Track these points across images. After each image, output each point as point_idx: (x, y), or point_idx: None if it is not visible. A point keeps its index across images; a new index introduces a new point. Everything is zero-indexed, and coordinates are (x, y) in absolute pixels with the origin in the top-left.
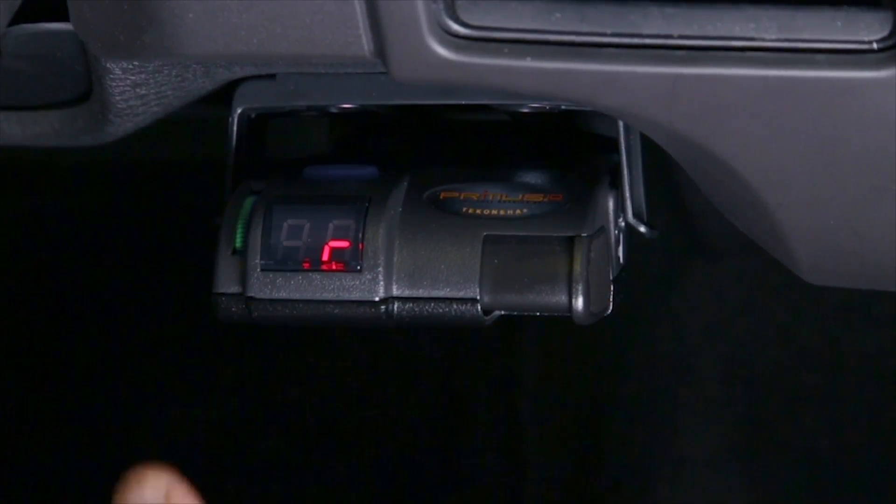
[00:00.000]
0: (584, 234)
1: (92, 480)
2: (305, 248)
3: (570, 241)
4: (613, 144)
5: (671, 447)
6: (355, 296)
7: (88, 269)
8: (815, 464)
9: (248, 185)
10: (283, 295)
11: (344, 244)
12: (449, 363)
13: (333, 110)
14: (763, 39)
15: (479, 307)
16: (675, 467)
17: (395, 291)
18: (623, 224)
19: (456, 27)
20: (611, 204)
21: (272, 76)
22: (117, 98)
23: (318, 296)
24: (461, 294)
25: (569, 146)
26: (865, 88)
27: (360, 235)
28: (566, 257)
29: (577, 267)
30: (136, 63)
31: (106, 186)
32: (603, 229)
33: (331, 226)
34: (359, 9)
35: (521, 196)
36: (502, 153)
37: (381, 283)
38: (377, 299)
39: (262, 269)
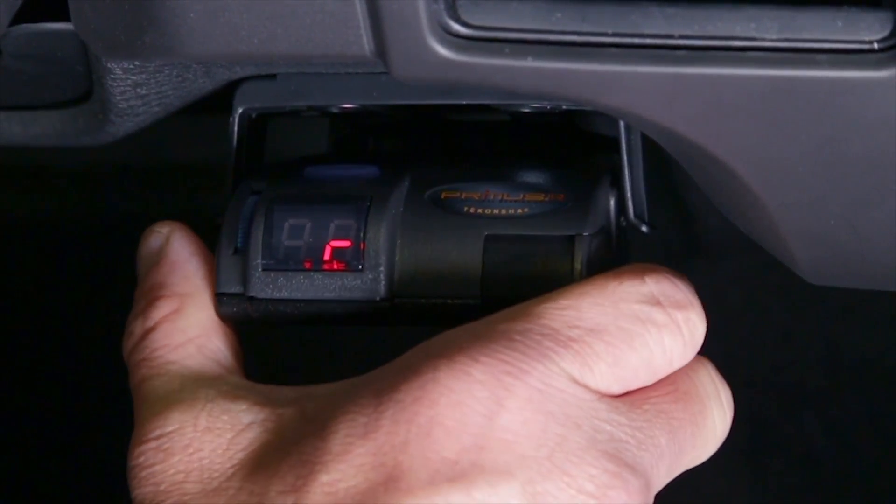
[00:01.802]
0: (586, 234)
1: (91, 481)
2: (307, 248)
3: (571, 241)
4: (614, 144)
5: None
6: (357, 295)
7: (89, 269)
8: (814, 464)
9: (249, 185)
10: (284, 295)
11: (345, 244)
12: None
13: (334, 110)
14: (764, 39)
15: (481, 307)
16: None
17: (397, 291)
18: (624, 223)
19: (457, 27)
20: (612, 203)
21: (273, 76)
22: (118, 98)
23: (319, 295)
24: (463, 293)
25: (570, 146)
26: (866, 88)
27: (362, 235)
28: (567, 257)
29: (578, 266)
30: (136, 63)
31: (106, 187)
32: (604, 228)
33: (332, 225)
34: (359, 8)
35: (522, 196)
36: (503, 153)
37: (383, 282)
38: (378, 299)
39: (263, 269)
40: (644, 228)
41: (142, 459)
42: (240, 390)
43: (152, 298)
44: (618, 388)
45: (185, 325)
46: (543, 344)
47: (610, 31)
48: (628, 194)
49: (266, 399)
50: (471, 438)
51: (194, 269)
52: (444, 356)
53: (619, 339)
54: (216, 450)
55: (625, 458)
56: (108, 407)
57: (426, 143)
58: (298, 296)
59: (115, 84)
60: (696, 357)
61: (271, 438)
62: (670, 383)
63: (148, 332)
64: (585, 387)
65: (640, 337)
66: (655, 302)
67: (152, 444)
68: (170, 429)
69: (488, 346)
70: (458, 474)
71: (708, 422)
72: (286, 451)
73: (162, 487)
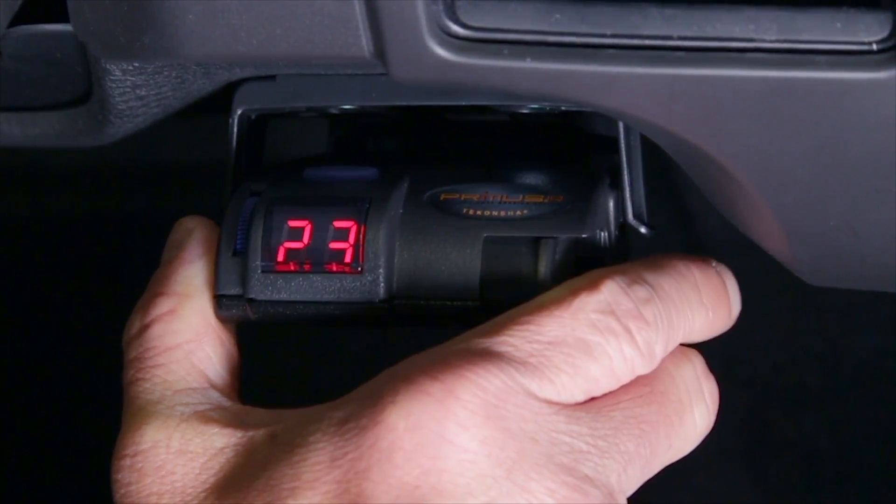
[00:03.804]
0: (584, 236)
1: (90, 481)
2: (306, 250)
3: (570, 242)
4: (613, 145)
5: None
6: (356, 297)
7: (89, 269)
8: (815, 464)
9: (249, 187)
10: (283, 296)
11: (345, 245)
12: None
13: (333, 111)
14: (763, 40)
15: (480, 308)
16: (675, 467)
17: (396, 293)
18: (623, 223)
19: (455, 28)
20: (611, 205)
21: (272, 77)
22: (117, 99)
23: (318, 297)
24: (462, 296)
25: (569, 147)
26: (865, 89)
27: (361, 237)
28: (534, 259)
29: (542, 269)
30: (135, 64)
31: (106, 188)
32: (605, 228)
33: (331, 227)
34: (358, 10)
35: (521, 197)
36: (502, 154)
37: (382, 284)
38: (378, 301)
39: (262, 271)
40: (643, 229)
41: (119, 476)
42: (215, 411)
43: (152, 294)
44: (582, 397)
45: (179, 328)
46: (502, 360)
47: (609, 33)
48: (627, 195)
49: (239, 422)
50: (430, 461)
51: (197, 270)
52: (405, 378)
53: (578, 349)
54: (188, 473)
55: (585, 469)
56: (108, 407)
57: (425, 144)
58: (298, 297)
59: (115, 85)
60: (682, 351)
61: (242, 462)
62: (645, 384)
63: (143, 329)
64: (545, 400)
65: (600, 346)
66: (610, 311)
67: (127, 462)
68: (143, 447)
69: (448, 364)
70: (419, 499)
71: (686, 419)
72: (255, 476)
73: None
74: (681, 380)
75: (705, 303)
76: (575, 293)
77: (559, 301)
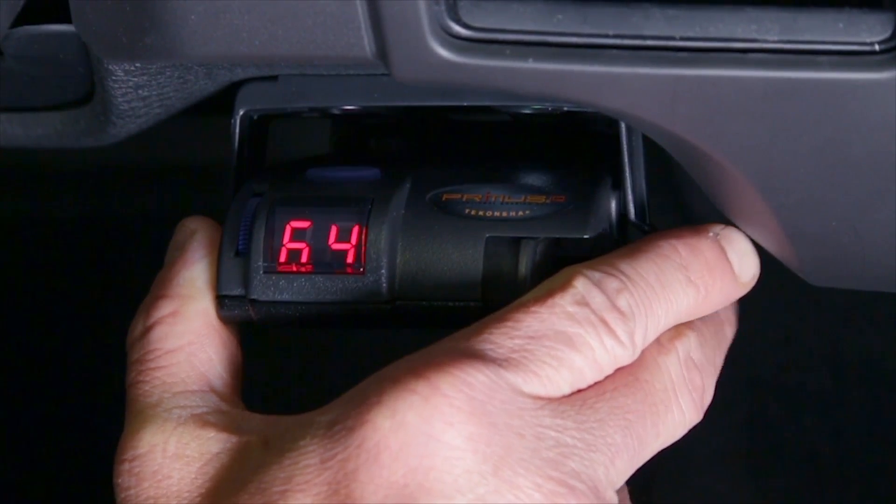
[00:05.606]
0: (586, 236)
1: (90, 482)
2: (308, 251)
3: (574, 242)
4: (615, 145)
5: (673, 448)
6: (358, 298)
7: (89, 270)
8: (816, 465)
9: (251, 187)
10: (285, 297)
11: (346, 246)
12: None
13: (336, 112)
14: (765, 41)
15: (482, 309)
16: (677, 468)
17: (398, 293)
18: (625, 225)
19: (458, 28)
20: (613, 205)
21: (274, 78)
22: (119, 100)
23: (320, 298)
24: (464, 296)
25: (571, 147)
26: (867, 90)
27: (363, 237)
28: (515, 259)
29: (522, 270)
30: (138, 65)
31: (108, 188)
32: (607, 229)
33: (333, 228)
34: (360, 10)
35: (523, 198)
36: (504, 154)
37: (384, 285)
38: (380, 301)
39: (264, 272)
40: (645, 229)
41: (119, 481)
42: (212, 414)
43: (155, 296)
44: (568, 389)
45: (181, 330)
46: (486, 357)
47: (611, 33)
48: (629, 195)
49: (235, 427)
50: (417, 459)
51: (199, 271)
52: (390, 378)
53: (560, 341)
54: (185, 478)
55: (571, 463)
56: (109, 407)
57: (428, 144)
58: (300, 298)
59: (117, 85)
60: (669, 338)
61: (236, 467)
62: (629, 374)
63: (146, 331)
64: (531, 395)
65: (580, 337)
66: (585, 304)
67: (126, 466)
68: (141, 451)
69: (432, 363)
70: (407, 498)
71: (672, 408)
72: (249, 480)
73: None
74: (665, 368)
75: (694, 280)
76: (550, 292)
77: (535, 299)
